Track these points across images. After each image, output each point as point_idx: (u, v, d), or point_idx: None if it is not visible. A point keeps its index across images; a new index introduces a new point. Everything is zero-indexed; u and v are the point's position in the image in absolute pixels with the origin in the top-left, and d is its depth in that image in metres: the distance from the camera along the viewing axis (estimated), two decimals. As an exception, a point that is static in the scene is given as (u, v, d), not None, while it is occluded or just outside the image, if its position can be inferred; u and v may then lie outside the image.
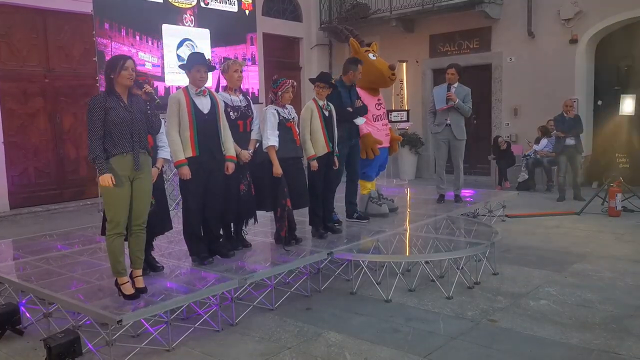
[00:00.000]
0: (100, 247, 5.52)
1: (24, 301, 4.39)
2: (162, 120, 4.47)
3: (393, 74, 6.44)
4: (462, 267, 5.24)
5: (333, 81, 5.53)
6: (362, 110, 5.93)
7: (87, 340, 3.79)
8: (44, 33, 9.78)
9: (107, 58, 6.86)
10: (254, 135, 5.07)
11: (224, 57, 5.13)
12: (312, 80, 5.49)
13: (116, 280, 3.92)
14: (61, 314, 4.14)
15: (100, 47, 7.01)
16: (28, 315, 4.36)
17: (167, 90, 7.55)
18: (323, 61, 14.25)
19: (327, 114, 5.45)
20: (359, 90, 6.13)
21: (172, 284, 4.21)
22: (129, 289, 3.87)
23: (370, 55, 6.42)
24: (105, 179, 3.76)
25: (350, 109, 5.79)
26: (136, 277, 4.00)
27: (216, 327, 4.21)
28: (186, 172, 4.42)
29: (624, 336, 3.94)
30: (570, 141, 9.30)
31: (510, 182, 11.03)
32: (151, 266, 4.47)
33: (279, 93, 5.08)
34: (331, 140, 5.44)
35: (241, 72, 4.98)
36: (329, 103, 5.51)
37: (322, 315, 4.49)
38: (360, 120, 5.89)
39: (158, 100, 4.13)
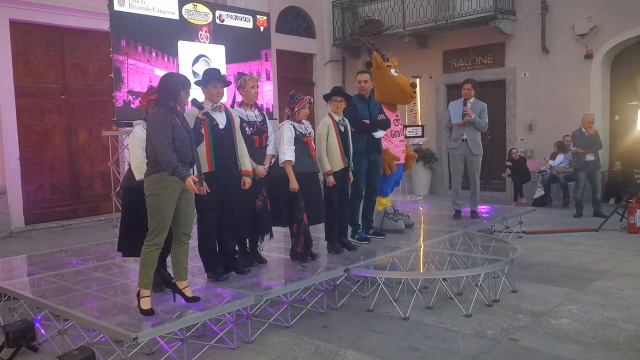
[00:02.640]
0: (114, 263, 5.50)
1: (39, 317, 4.37)
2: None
3: (414, 92, 6.42)
4: (480, 285, 5.15)
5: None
6: (385, 124, 5.90)
7: (102, 358, 3.76)
8: (60, 50, 9.90)
9: (124, 74, 6.94)
10: (269, 151, 5.06)
11: (238, 72, 5.12)
12: (327, 96, 5.46)
13: (138, 292, 3.89)
14: (76, 330, 4.11)
15: (116, 64, 7.05)
16: (43, 331, 4.34)
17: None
18: (336, 77, 14.28)
19: (342, 129, 5.42)
20: None
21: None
22: (147, 304, 3.84)
23: (392, 71, 6.37)
24: (190, 182, 3.80)
25: (367, 121, 5.76)
26: (184, 288, 4.03)
27: (232, 345, 4.15)
28: (203, 187, 4.39)
29: (650, 356, 3.84)
30: (589, 157, 9.17)
31: (526, 198, 10.91)
32: (167, 282, 4.43)
33: (296, 109, 5.07)
34: (347, 156, 5.41)
35: (257, 87, 4.99)
36: (344, 118, 5.49)
37: (339, 333, 4.42)
38: (379, 133, 5.85)
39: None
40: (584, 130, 9.25)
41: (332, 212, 5.35)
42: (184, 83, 4.02)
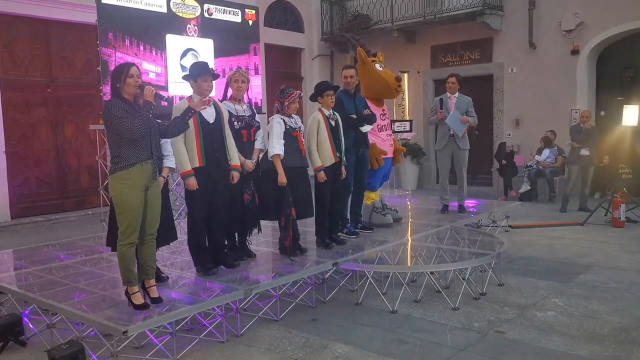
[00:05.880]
0: (102, 257, 5.48)
1: (26, 312, 4.36)
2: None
3: (399, 86, 6.44)
4: (467, 278, 5.20)
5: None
6: (371, 119, 5.92)
7: (91, 352, 3.76)
8: (46, 43, 9.79)
9: (112, 68, 6.89)
10: (258, 145, 5.06)
11: (237, 66, 5.13)
12: (317, 94, 5.40)
13: (126, 289, 3.89)
14: (64, 324, 4.09)
15: (104, 57, 7.00)
16: (31, 325, 4.32)
17: (170, 100, 7.53)
18: (324, 72, 14.26)
19: (333, 123, 5.42)
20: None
21: (177, 294, 4.17)
22: (139, 299, 3.84)
23: (377, 65, 6.39)
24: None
25: (354, 116, 5.78)
26: (150, 287, 3.98)
27: (221, 338, 4.16)
28: (193, 182, 4.39)
29: (633, 348, 3.90)
30: (585, 152, 9.23)
31: (514, 192, 11.00)
32: (156, 276, 4.41)
33: (286, 103, 5.06)
34: (338, 150, 5.42)
35: (246, 82, 4.99)
36: (334, 112, 5.49)
37: (328, 326, 4.45)
38: (366, 128, 5.88)
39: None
40: (581, 125, 9.34)
41: (324, 208, 5.36)
42: (117, 75, 3.82)
